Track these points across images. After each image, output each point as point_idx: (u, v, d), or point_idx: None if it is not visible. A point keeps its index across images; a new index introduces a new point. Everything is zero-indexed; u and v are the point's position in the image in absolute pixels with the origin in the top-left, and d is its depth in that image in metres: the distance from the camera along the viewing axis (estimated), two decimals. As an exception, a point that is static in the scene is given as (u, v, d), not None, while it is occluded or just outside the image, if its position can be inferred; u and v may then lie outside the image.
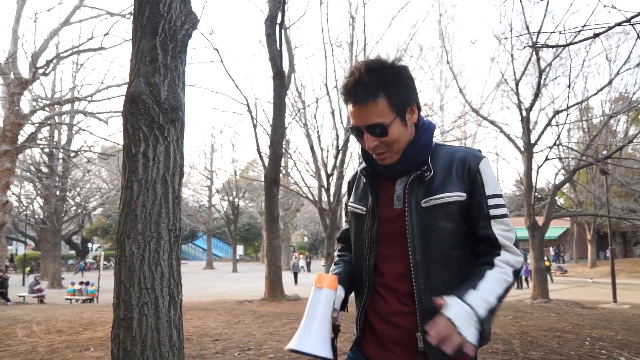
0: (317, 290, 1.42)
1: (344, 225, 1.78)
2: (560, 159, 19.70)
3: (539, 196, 31.89)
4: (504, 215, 1.43)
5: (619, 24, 5.96)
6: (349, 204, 1.64)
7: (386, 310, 1.48)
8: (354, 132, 1.48)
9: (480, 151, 1.50)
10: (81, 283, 19.05)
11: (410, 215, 1.43)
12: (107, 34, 11.81)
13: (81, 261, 39.75)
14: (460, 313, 1.27)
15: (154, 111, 2.62)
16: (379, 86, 1.39)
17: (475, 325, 1.27)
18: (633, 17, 5.96)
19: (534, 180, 15.01)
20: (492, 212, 1.42)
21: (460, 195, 1.41)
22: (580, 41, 7.20)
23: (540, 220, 14.72)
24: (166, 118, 2.65)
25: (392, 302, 1.46)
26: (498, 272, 1.38)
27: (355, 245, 1.61)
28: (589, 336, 6.13)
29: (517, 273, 1.41)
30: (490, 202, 1.43)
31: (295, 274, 26.38)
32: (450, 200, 1.41)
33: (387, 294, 1.49)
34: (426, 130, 1.50)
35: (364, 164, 1.59)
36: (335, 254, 1.80)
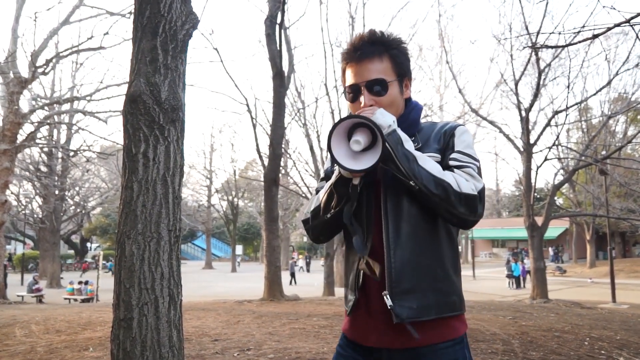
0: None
1: (317, 186, 1.68)
2: (559, 159, 19.73)
3: (538, 196, 31.95)
4: (467, 166, 1.41)
5: (618, 25, 5.97)
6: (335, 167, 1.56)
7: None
8: (350, 91, 1.49)
9: (463, 124, 1.53)
10: (80, 282, 19.06)
11: (385, 182, 1.41)
12: (106, 33, 11.80)
13: (81, 259, 39.81)
14: (387, 116, 1.36)
15: (154, 111, 2.62)
16: (385, 47, 1.46)
17: (390, 126, 1.34)
18: (632, 17, 5.97)
19: (533, 181, 15.03)
20: (454, 163, 1.41)
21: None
22: (579, 42, 7.21)
23: (539, 220, 14.75)
24: (166, 118, 2.65)
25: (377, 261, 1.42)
26: (439, 166, 1.38)
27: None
28: (588, 336, 6.13)
29: (458, 195, 1.33)
30: (455, 155, 1.43)
31: (293, 274, 26.33)
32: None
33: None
34: (414, 108, 1.54)
35: None
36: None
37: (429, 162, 1.35)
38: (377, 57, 1.45)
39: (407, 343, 1.36)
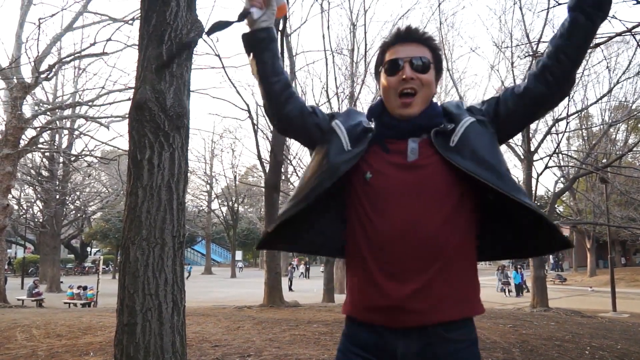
0: None
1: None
2: (560, 167, 19.73)
3: (539, 204, 31.91)
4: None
5: (619, 34, 6.01)
6: (336, 123, 1.57)
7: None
8: (390, 66, 1.51)
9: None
10: (79, 287, 19.02)
11: (450, 158, 1.41)
12: (109, 39, 11.87)
13: (81, 264, 39.81)
14: None
15: (159, 118, 2.65)
16: (429, 41, 1.55)
17: None
18: (634, 27, 6.01)
19: (533, 188, 15.03)
20: (512, 86, 1.54)
21: (470, 118, 1.48)
22: (580, 51, 7.22)
23: (540, 228, 14.71)
24: (171, 125, 2.68)
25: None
26: None
27: (312, 169, 1.53)
28: (588, 345, 6.13)
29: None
30: (505, 91, 1.55)
31: (290, 280, 26.48)
32: (467, 123, 1.46)
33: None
34: (438, 106, 1.57)
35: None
36: None
37: None
38: (422, 44, 1.53)
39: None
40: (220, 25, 1.59)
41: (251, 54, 1.58)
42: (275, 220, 1.53)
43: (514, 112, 1.50)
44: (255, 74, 1.60)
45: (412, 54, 1.49)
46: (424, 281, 1.36)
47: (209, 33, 1.64)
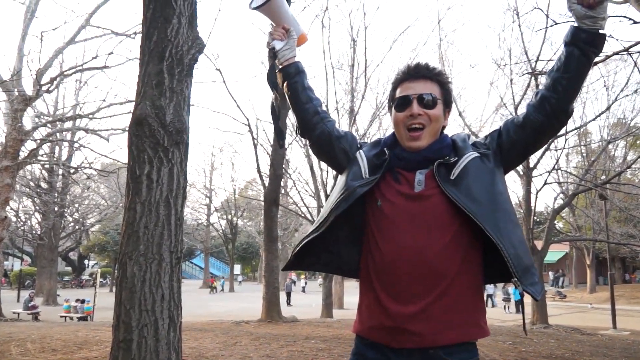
0: None
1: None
2: (559, 183, 19.73)
3: (538, 220, 31.86)
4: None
5: (616, 53, 6.07)
6: (364, 152, 1.69)
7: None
8: (399, 103, 1.62)
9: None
10: (77, 300, 18.90)
11: (447, 189, 1.49)
12: (111, 53, 11.94)
13: (78, 277, 39.59)
14: None
15: (159, 134, 2.65)
16: (437, 77, 1.64)
17: None
18: (631, 46, 6.07)
19: (532, 204, 15.02)
20: (512, 118, 1.63)
21: (473, 153, 1.56)
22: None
23: (539, 244, 14.70)
24: (171, 141, 2.69)
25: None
26: None
27: (336, 193, 1.64)
28: (588, 364, 6.08)
29: None
30: (505, 123, 1.62)
31: (288, 294, 26.27)
32: (469, 159, 1.54)
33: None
34: (447, 138, 1.66)
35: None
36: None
37: None
38: (430, 80, 1.62)
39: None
40: (272, 73, 1.82)
41: (284, 85, 1.76)
42: (298, 243, 1.67)
43: (515, 142, 1.57)
44: (289, 101, 1.78)
45: (420, 91, 1.59)
46: (424, 304, 1.43)
47: (272, 86, 1.83)
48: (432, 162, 1.55)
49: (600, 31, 1.42)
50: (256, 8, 1.74)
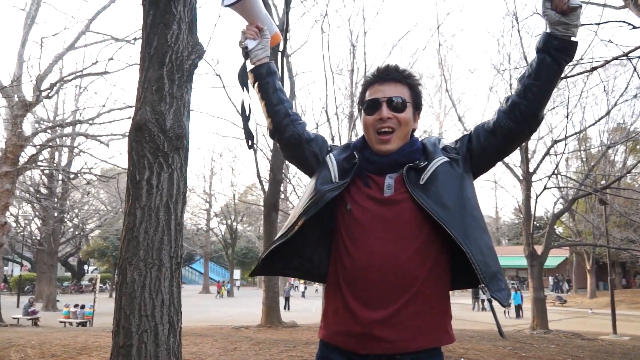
0: None
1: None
2: (558, 188, 19.73)
3: (538, 225, 31.84)
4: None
5: (616, 58, 6.08)
6: (334, 156, 1.67)
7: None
8: (368, 106, 1.60)
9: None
10: (76, 306, 18.87)
11: (416, 195, 1.48)
12: (111, 58, 11.97)
13: (78, 282, 39.51)
14: None
15: (159, 139, 2.66)
16: (407, 79, 1.62)
17: None
18: (630, 51, 6.08)
19: (532, 209, 15.02)
20: (483, 121, 1.62)
21: (443, 158, 1.55)
22: (577, 74, 7.31)
23: (539, 249, 14.68)
24: (171, 146, 2.69)
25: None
26: None
27: (306, 198, 1.61)
28: (588, 369, 6.07)
29: None
30: (476, 126, 1.62)
31: (287, 299, 26.27)
32: (438, 163, 1.53)
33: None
34: (417, 141, 1.66)
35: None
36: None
37: None
38: (400, 83, 1.60)
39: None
40: (243, 72, 1.80)
41: (255, 85, 1.75)
42: (266, 248, 1.65)
43: (486, 147, 1.57)
44: (259, 102, 1.76)
45: (389, 94, 1.57)
46: (394, 310, 1.42)
47: (242, 85, 1.81)
48: (402, 166, 1.54)
49: (572, 38, 1.42)
50: (229, 5, 1.73)
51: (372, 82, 1.63)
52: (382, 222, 1.49)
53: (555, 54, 1.43)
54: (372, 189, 1.55)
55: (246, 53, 1.75)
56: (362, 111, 1.63)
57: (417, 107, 1.65)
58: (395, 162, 1.56)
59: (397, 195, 1.51)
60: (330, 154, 1.69)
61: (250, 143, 1.79)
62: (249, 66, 1.77)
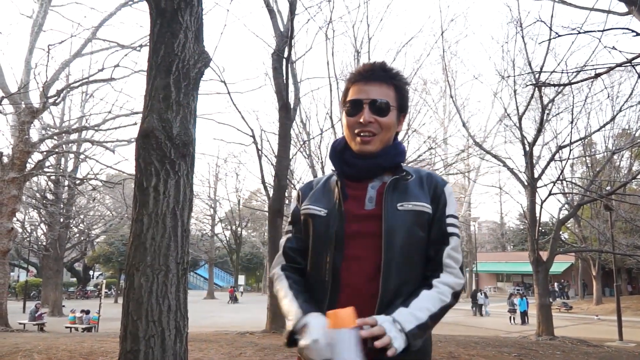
0: (338, 332, 1.28)
1: (284, 239, 1.67)
2: (564, 193, 19.67)
3: (543, 230, 31.71)
4: (456, 235, 1.50)
5: (619, 65, 6.09)
6: (305, 206, 1.58)
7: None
8: (350, 106, 1.51)
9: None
10: (82, 311, 18.92)
11: (387, 216, 1.44)
12: (117, 65, 12.05)
13: (83, 288, 39.61)
14: (390, 326, 1.28)
15: (165, 146, 2.70)
16: (393, 79, 1.53)
17: (402, 337, 1.28)
18: (634, 58, 6.09)
19: (537, 215, 14.97)
20: (449, 229, 1.49)
21: (429, 207, 1.48)
22: (581, 80, 7.32)
23: (544, 255, 14.62)
24: (177, 153, 2.73)
25: (358, 302, 1.38)
26: (434, 292, 1.41)
27: (314, 250, 1.53)
28: (594, 375, 6.05)
29: (456, 295, 1.43)
30: (449, 220, 1.50)
31: None
32: (424, 209, 1.48)
33: (351, 295, 1.44)
34: (401, 144, 1.60)
35: (331, 170, 1.62)
36: (281, 272, 1.61)
37: (425, 308, 1.38)
38: (385, 83, 1.50)
39: None
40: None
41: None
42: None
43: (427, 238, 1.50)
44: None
45: (373, 96, 1.49)
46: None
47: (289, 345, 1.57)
48: (384, 170, 1.51)
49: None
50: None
51: (356, 80, 1.53)
52: (360, 236, 1.46)
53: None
54: (352, 200, 1.50)
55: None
56: (344, 110, 1.55)
57: (402, 109, 1.56)
58: (378, 165, 1.51)
59: (378, 210, 1.47)
60: (304, 204, 1.59)
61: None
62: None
